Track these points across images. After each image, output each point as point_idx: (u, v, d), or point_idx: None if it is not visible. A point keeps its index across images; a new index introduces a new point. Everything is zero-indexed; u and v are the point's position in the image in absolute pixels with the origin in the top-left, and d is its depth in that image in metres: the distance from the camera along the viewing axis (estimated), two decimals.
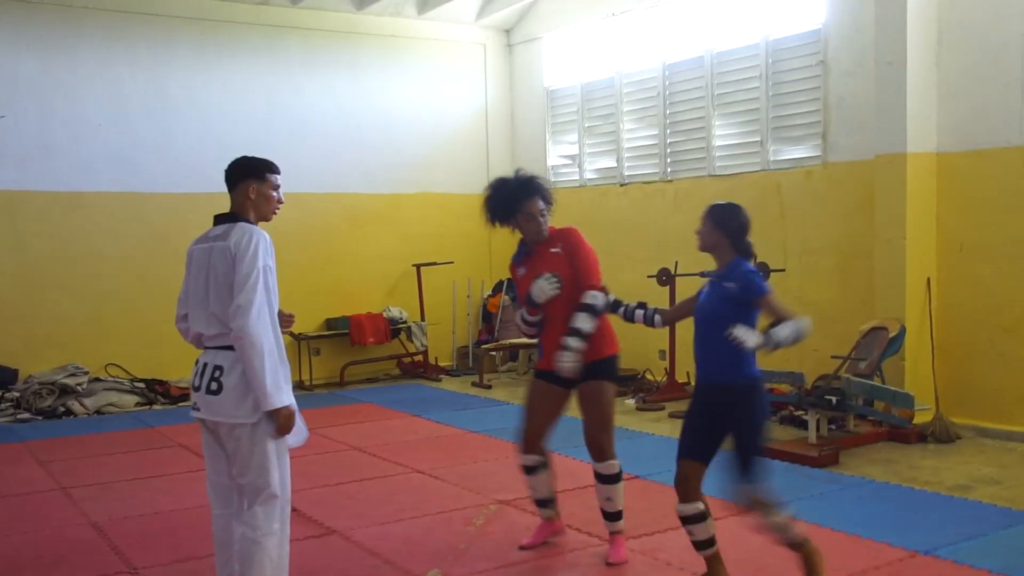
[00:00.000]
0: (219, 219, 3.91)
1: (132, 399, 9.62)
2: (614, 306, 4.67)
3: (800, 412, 7.65)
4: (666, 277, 9.33)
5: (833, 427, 7.34)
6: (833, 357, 7.75)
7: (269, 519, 3.72)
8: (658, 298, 9.66)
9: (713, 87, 9.62)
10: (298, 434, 3.82)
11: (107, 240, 10.01)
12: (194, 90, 10.43)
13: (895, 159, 7.70)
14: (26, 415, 9.04)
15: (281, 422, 3.67)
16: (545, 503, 5.00)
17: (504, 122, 12.46)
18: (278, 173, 3.96)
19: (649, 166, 10.49)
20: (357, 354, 11.09)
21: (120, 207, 10.08)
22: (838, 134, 8.49)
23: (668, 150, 10.21)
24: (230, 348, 3.66)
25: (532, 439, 4.85)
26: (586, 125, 11.32)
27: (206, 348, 3.81)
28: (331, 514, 5.62)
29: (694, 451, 4.17)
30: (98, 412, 9.33)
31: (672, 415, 8.53)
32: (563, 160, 11.77)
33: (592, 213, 10.93)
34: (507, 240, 13.05)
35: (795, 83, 8.88)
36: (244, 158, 3.98)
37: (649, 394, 9.31)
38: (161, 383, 9.97)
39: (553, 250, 4.77)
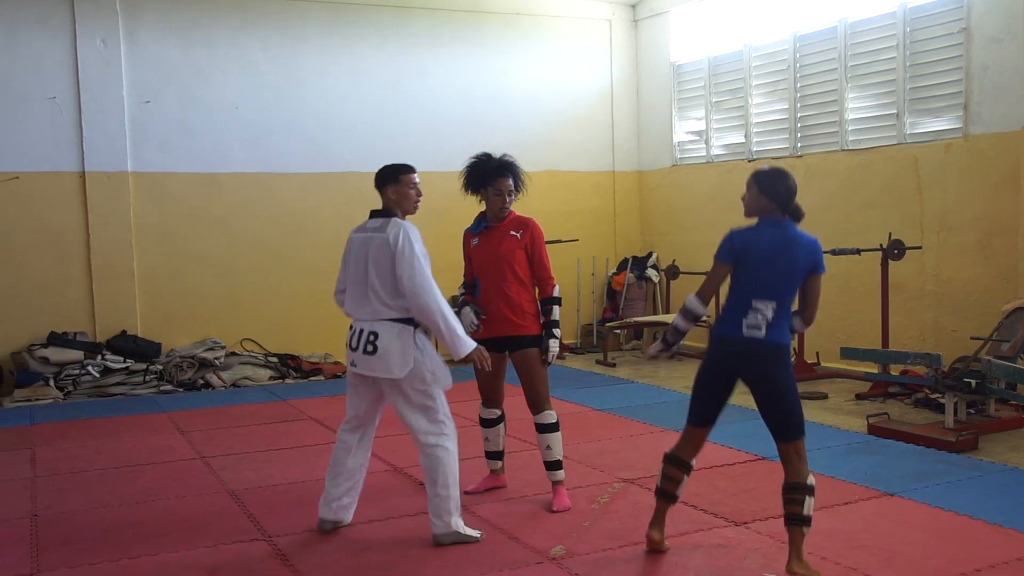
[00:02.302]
0: (374, 213, 4.85)
1: (266, 373, 9.97)
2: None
3: (937, 395, 7.37)
4: None
5: (972, 411, 7.03)
6: (973, 338, 7.43)
7: (440, 435, 4.71)
8: None
9: (846, 58, 9.29)
10: (447, 379, 4.77)
11: (242, 219, 10.38)
12: (324, 72, 10.68)
13: None
14: (168, 387, 9.47)
15: (475, 358, 4.74)
16: (495, 456, 5.66)
17: (629, 98, 12.33)
18: (412, 173, 4.81)
19: (778, 141, 10.23)
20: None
21: (254, 187, 10.42)
22: (981, 105, 8.10)
23: (798, 124, 9.93)
24: (384, 320, 4.61)
25: (493, 395, 5.53)
26: (713, 100, 11.11)
27: (360, 319, 4.70)
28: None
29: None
30: (234, 385, 9.70)
31: (801, 396, 8.28)
32: (689, 136, 11.58)
33: (719, 190, 10.75)
34: (632, 218, 13.00)
35: (935, 52, 8.50)
36: (383, 167, 4.86)
37: None
38: (293, 358, 10.30)
39: (513, 233, 5.33)
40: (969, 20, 8.13)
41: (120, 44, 9.77)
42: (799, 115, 9.91)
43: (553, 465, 5.34)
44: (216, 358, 9.78)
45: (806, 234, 4.26)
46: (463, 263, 5.62)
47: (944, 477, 5.67)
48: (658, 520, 4.52)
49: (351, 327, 4.78)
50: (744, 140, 10.64)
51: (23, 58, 9.43)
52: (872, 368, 8.42)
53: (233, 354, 10.09)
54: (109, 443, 7.21)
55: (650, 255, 12.02)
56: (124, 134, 9.82)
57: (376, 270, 4.66)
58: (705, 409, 4.40)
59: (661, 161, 11.94)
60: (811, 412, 7.71)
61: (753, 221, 4.33)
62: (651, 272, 11.78)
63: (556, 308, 5.40)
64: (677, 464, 4.48)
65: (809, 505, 4.18)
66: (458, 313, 5.06)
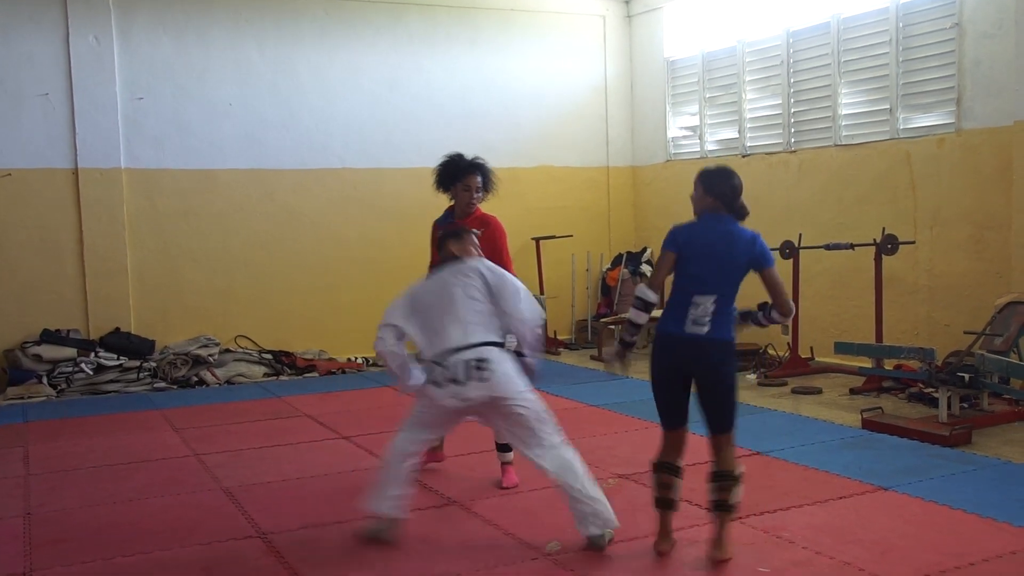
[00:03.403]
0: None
1: (260, 370, 9.96)
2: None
3: (930, 389, 7.39)
4: (790, 250, 9.10)
5: (965, 405, 7.05)
6: (966, 333, 7.45)
7: (560, 434, 4.68)
8: (781, 271, 9.44)
9: (839, 53, 9.30)
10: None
11: (237, 216, 10.37)
12: (319, 69, 10.67)
13: None
14: (162, 384, 9.46)
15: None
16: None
17: (623, 94, 12.33)
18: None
19: (772, 136, 10.24)
20: None
21: (249, 184, 10.41)
22: (973, 100, 8.11)
23: (792, 120, 9.94)
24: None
25: None
26: (707, 96, 11.11)
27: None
28: (451, 484, 5.72)
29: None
30: (228, 382, 9.69)
31: (795, 391, 8.35)
32: (683, 132, 11.59)
33: None
34: (627, 213, 13.02)
35: (927, 47, 8.51)
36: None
37: (771, 369, 9.12)
38: (287, 355, 10.28)
39: (475, 231, 5.35)
40: (961, 15, 8.14)
41: (113, 40, 9.75)
42: (792, 110, 9.92)
43: (502, 448, 5.61)
44: (210, 355, 9.77)
45: (746, 229, 4.33)
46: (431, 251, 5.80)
47: (938, 471, 5.69)
48: (665, 531, 4.50)
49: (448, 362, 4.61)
50: (738, 135, 10.64)
51: (16, 54, 9.41)
52: (866, 363, 8.45)
53: (227, 351, 10.07)
54: (103, 441, 7.20)
55: (644, 250, 12.02)
56: (117, 130, 9.80)
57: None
58: (672, 412, 4.42)
59: (655, 156, 11.95)
60: (805, 407, 7.73)
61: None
62: (645, 267, 11.78)
63: None
64: (666, 470, 4.48)
65: (736, 493, 4.32)
66: None
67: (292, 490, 5.77)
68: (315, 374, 10.04)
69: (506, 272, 4.83)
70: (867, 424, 6.85)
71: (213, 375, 9.67)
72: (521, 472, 5.86)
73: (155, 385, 9.44)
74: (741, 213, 4.37)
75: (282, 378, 9.94)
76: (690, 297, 4.25)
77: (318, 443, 7.00)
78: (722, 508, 4.32)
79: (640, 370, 10.44)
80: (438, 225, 5.85)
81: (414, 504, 5.28)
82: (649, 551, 4.48)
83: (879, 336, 8.38)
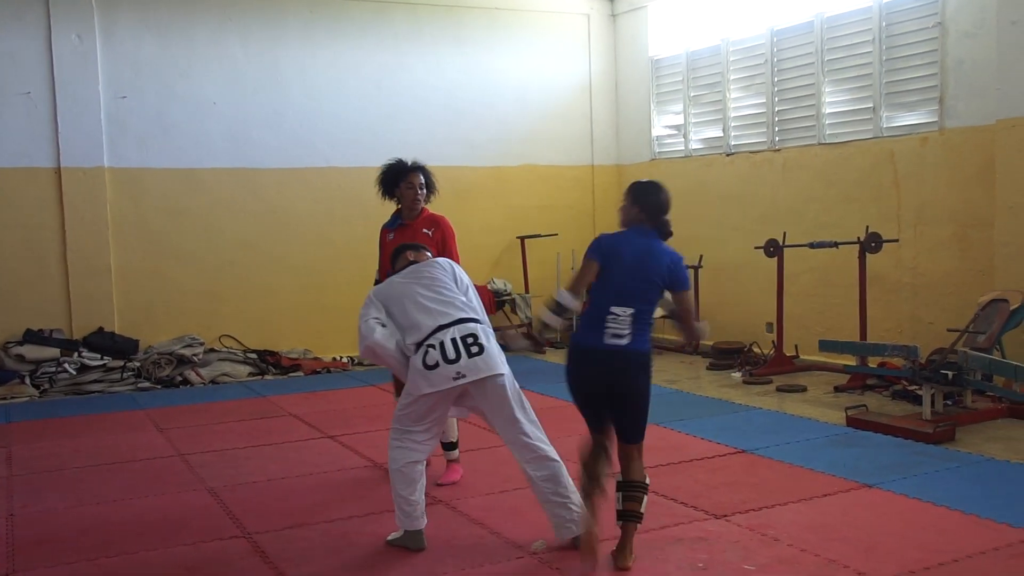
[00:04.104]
0: None
1: (245, 369, 9.93)
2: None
3: (914, 387, 7.43)
4: (774, 248, 9.14)
5: (949, 403, 7.10)
6: (949, 330, 7.49)
7: (540, 430, 4.70)
8: (766, 269, 9.50)
9: (823, 52, 9.34)
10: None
11: (222, 215, 10.33)
12: (304, 68, 10.64)
13: (1018, 123, 7.37)
14: (146, 384, 9.42)
15: None
16: (449, 447, 5.81)
17: (608, 93, 12.34)
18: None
19: (756, 135, 10.27)
20: None
21: (234, 182, 10.38)
22: (956, 99, 8.16)
23: (776, 118, 9.97)
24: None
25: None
26: (691, 94, 11.14)
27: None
28: (431, 487, 5.71)
29: None
30: (213, 382, 9.65)
31: (780, 389, 8.37)
32: (668, 130, 11.61)
33: (697, 184, 10.78)
34: (612, 212, 12.99)
35: (910, 46, 8.55)
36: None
37: (756, 367, 9.15)
38: (272, 354, 10.25)
39: (425, 231, 5.61)
40: (944, 14, 8.19)
41: (96, 39, 9.70)
42: (776, 109, 9.95)
43: (447, 446, 5.72)
44: (195, 355, 9.73)
45: (670, 250, 4.35)
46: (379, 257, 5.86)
47: (922, 468, 5.72)
48: (588, 500, 4.37)
49: (434, 344, 4.52)
50: (722, 134, 10.67)
51: None
52: (850, 360, 8.49)
53: (212, 351, 10.04)
54: (86, 441, 7.16)
55: None
56: (100, 129, 9.75)
57: None
58: (595, 418, 4.43)
59: (640, 155, 11.96)
60: (790, 405, 7.76)
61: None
62: None
63: None
64: (592, 466, 4.40)
65: (644, 503, 4.33)
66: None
67: (277, 490, 5.76)
68: (300, 373, 10.01)
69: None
70: (851, 422, 6.87)
71: (198, 375, 9.63)
72: (505, 471, 5.86)
73: (139, 385, 9.40)
74: (664, 230, 4.38)
75: (267, 377, 9.91)
76: (609, 307, 4.23)
77: (303, 442, 6.98)
78: (631, 518, 4.31)
79: None
80: (386, 229, 5.91)
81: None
82: (635, 548, 4.48)
83: (863, 334, 8.42)
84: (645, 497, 4.34)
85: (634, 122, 12.04)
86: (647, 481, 4.36)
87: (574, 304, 4.31)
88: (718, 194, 10.54)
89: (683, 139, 11.29)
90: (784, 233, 9.17)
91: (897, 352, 7.25)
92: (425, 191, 5.81)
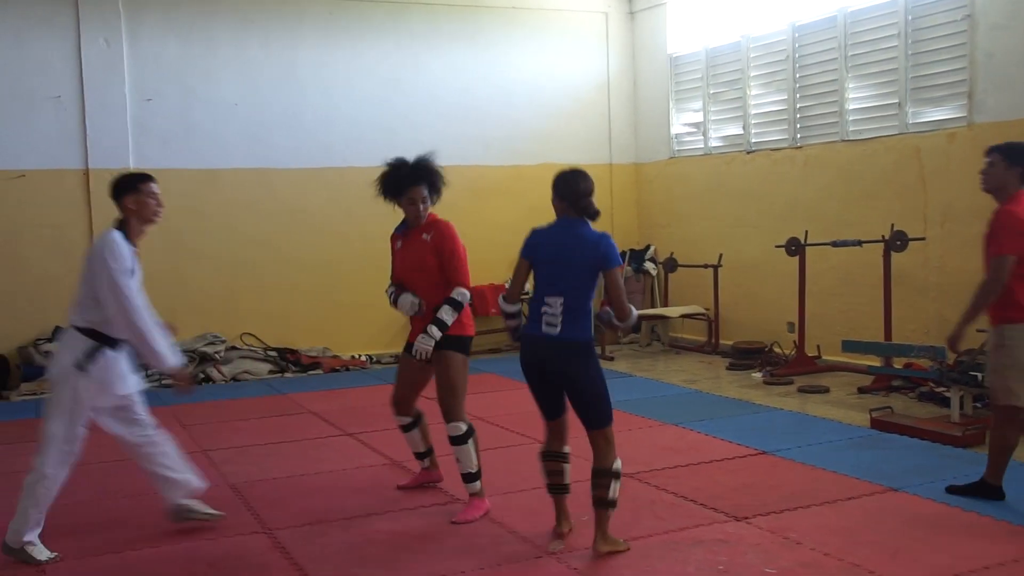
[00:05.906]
0: None
1: (265, 367, 9.96)
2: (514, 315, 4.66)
3: (942, 389, 7.33)
4: (795, 247, 9.05)
5: (978, 405, 6.97)
6: (979, 331, 7.37)
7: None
8: (786, 268, 9.40)
9: (846, 47, 9.23)
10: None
11: (241, 214, 10.37)
12: (322, 69, 10.66)
13: None
14: (170, 381, 9.42)
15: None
16: (422, 455, 5.63)
17: (626, 91, 12.28)
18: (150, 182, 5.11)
19: (777, 132, 10.17)
20: (479, 324, 11.12)
21: (253, 183, 10.41)
22: (985, 93, 8.03)
23: (797, 115, 9.86)
24: None
25: (401, 403, 5.43)
26: (711, 92, 11.05)
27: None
28: (455, 482, 5.67)
29: None
30: (234, 379, 9.69)
31: (802, 389, 8.29)
32: (687, 128, 11.53)
33: (717, 182, 10.70)
34: (630, 210, 12.95)
35: (937, 40, 8.42)
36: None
37: (777, 368, 9.07)
38: (292, 352, 10.27)
39: (424, 236, 5.25)
40: (973, 6, 8.05)
41: (123, 43, 9.83)
42: (798, 106, 9.85)
43: (466, 477, 5.15)
44: (216, 352, 9.77)
45: (594, 231, 4.46)
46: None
47: (949, 472, 5.61)
48: (562, 514, 4.69)
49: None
50: (742, 132, 10.58)
51: (29, 58, 9.51)
52: (874, 361, 8.39)
53: (233, 348, 10.07)
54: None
55: (648, 248, 11.97)
56: (126, 131, 9.87)
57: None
58: (547, 406, 4.56)
59: (659, 153, 11.89)
60: (812, 406, 7.68)
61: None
62: (649, 265, 11.74)
63: (445, 307, 5.08)
64: (553, 458, 4.62)
65: (614, 489, 4.40)
66: (396, 302, 5.25)
67: (297, 486, 5.76)
68: (320, 371, 10.03)
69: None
70: (876, 424, 6.79)
71: (219, 372, 9.67)
72: (525, 470, 5.84)
73: (163, 382, 9.42)
74: (588, 212, 4.45)
75: (287, 375, 9.93)
76: (543, 297, 4.41)
77: (323, 440, 6.99)
78: (600, 504, 4.40)
79: (644, 368, 10.42)
80: (397, 235, 5.51)
81: (419, 503, 5.29)
82: (654, 550, 4.44)
83: (888, 334, 8.32)
84: (614, 483, 4.40)
85: (653, 120, 11.97)
86: (615, 467, 4.41)
87: (511, 308, 4.57)
88: (738, 192, 10.45)
89: (702, 137, 11.20)
90: (806, 232, 9.08)
91: (924, 353, 7.15)
92: (428, 202, 5.30)
